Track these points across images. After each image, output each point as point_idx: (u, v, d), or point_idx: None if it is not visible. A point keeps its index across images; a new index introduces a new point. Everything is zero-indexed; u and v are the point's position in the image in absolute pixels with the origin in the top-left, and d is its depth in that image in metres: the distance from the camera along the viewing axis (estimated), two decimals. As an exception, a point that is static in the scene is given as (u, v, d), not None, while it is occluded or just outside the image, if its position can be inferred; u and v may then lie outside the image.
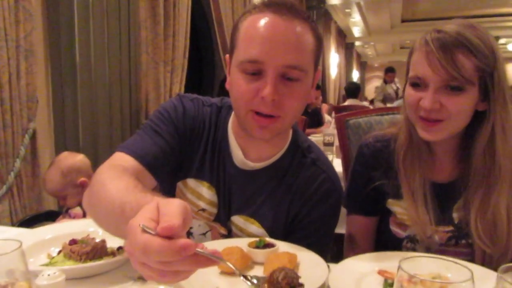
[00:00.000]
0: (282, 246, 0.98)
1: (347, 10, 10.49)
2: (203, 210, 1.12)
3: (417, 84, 1.04)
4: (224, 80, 3.53)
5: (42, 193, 2.41)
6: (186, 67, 3.83)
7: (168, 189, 1.13)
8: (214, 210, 1.13)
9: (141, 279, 0.87)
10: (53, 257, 0.98)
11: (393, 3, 10.09)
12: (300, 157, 1.13)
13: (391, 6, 10.40)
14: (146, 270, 0.57)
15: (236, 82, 0.98)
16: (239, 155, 1.10)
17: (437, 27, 1.03)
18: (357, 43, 14.86)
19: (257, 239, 1.00)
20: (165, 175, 1.07)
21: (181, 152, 1.09)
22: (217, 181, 1.11)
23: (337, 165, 1.59)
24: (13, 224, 2.07)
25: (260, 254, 0.95)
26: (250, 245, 0.97)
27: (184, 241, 0.54)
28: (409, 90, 1.07)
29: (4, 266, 0.66)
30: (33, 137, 2.32)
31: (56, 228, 1.15)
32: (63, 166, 1.84)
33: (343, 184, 1.33)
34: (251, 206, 1.11)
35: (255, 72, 0.95)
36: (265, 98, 0.93)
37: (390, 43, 16.27)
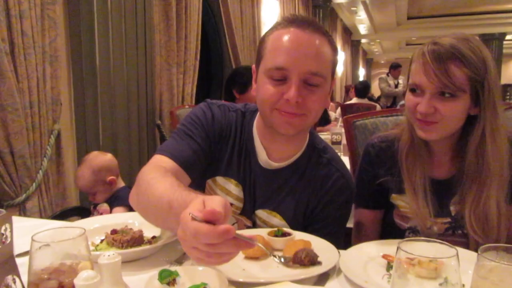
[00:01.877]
0: (298, 235, 1.11)
1: (353, 8, 10.53)
2: (231, 204, 1.23)
3: (415, 90, 1.17)
4: (229, 83, 3.62)
5: (66, 189, 2.56)
6: (197, 68, 3.94)
7: (198, 186, 1.24)
8: (240, 205, 1.24)
9: (177, 262, 1.01)
10: (97, 245, 1.12)
11: (399, 0, 10.10)
12: (317, 157, 1.25)
13: (397, 4, 10.40)
14: (196, 252, 0.69)
15: (263, 87, 1.11)
16: (263, 156, 1.21)
17: (434, 39, 1.15)
18: (363, 40, 14.87)
19: (275, 229, 1.13)
20: (198, 174, 1.19)
21: (211, 153, 1.21)
22: (243, 178, 1.23)
23: (345, 162, 1.70)
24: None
25: (279, 242, 1.07)
26: (269, 234, 1.10)
27: (225, 226, 0.66)
28: (409, 95, 1.20)
29: (70, 249, 0.78)
30: (58, 138, 2.46)
31: (97, 220, 1.29)
32: (94, 164, 1.97)
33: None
34: (274, 201, 1.23)
35: (281, 79, 1.08)
36: (290, 101, 1.06)
37: (396, 40, 16.27)
